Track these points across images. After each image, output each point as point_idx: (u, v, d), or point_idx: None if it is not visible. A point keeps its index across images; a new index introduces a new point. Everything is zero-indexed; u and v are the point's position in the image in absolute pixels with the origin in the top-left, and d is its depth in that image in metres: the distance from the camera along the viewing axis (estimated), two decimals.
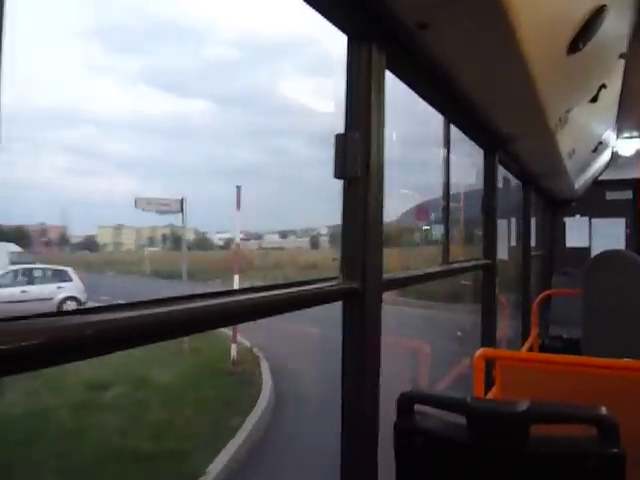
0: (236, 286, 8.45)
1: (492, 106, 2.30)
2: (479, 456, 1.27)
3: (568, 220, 6.91)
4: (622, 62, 2.63)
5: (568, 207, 6.76)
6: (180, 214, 8.81)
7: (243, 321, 1.16)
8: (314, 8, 1.27)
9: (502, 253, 3.46)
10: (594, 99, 2.72)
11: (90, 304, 7.11)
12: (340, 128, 1.41)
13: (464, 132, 2.62)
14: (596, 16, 1.71)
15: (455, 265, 2.60)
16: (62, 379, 7.04)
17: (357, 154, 1.36)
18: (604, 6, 1.70)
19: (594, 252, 5.12)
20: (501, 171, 3.48)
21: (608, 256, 3.65)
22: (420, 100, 1.96)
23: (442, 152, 2.51)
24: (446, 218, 2.51)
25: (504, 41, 1.58)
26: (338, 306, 1.44)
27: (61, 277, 10.07)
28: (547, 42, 1.74)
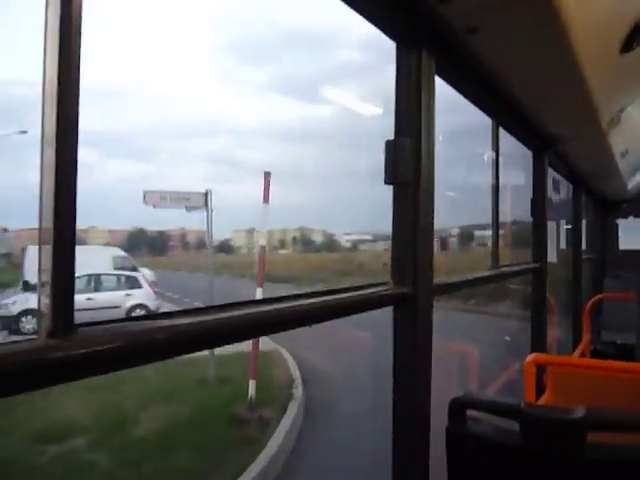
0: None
1: (542, 107, 2.27)
2: (533, 462, 1.26)
3: (621, 222, 6.68)
4: None
5: (620, 208, 6.55)
6: (205, 210, 7.54)
7: (296, 327, 1.18)
8: (363, 15, 1.29)
9: (551, 256, 3.39)
10: None
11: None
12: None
13: (512, 134, 2.59)
14: None
15: (504, 269, 2.56)
16: (16, 418, 5.64)
17: (408, 160, 1.37)
18: None
19: None
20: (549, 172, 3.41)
21: None
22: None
23: (491, 155, 2.48)
24: (495, 221, 2.47)
25: (555, 43, 1.56)
26: None
27: (131, 283, 9.57)
28: (600, 42, 1.71)
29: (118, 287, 9.61)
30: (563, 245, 4.72)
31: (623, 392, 2.06)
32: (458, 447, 1.37)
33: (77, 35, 0.64)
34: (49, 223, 0.63)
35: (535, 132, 2.62)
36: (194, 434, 5.94)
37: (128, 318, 0.71)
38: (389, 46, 1.43)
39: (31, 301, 8.58)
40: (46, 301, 0.63)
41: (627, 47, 1.78)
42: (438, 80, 1.53)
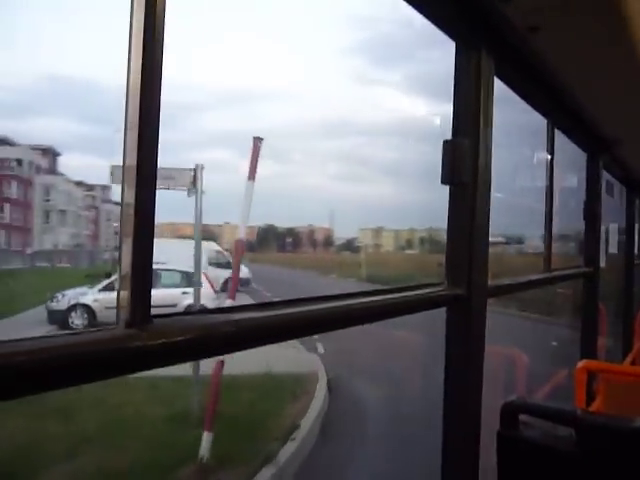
0: None
1: (599, 108, 2.21)
2: (588, 469, 1.23)
3: None
4: None
5: None
6: (193, 190, 6.07)
7: (352, 325, 1.19)
8: (424, 15, 1.28)
9: (600, 260, 3.30)
10: None
11: None
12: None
13: (567, 135, 2.53)
14: None
15: (557, 273, 2.51)
16: None
17: (465, 160, 1.36)
18: None
19: None
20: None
21: None
22: None
23: (546, 156, 2.44)
24: (549, 225, 2.42)
25: (618, 40, 1.52)
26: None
27: (190, 281, 8.61)
28: None
29: (179, 284, 9.27)
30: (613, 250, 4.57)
31: None
32: (510, 451, 1.35)
33: (160, 30, 0.66)
34: (130, 217, 0.65)
35: (591, 133, 2.55)
36: None
37: (200, 310, 0.73)
38: None
39: (81, 297, 8.88)
40: (125, 293, 0.65)
41: None
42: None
